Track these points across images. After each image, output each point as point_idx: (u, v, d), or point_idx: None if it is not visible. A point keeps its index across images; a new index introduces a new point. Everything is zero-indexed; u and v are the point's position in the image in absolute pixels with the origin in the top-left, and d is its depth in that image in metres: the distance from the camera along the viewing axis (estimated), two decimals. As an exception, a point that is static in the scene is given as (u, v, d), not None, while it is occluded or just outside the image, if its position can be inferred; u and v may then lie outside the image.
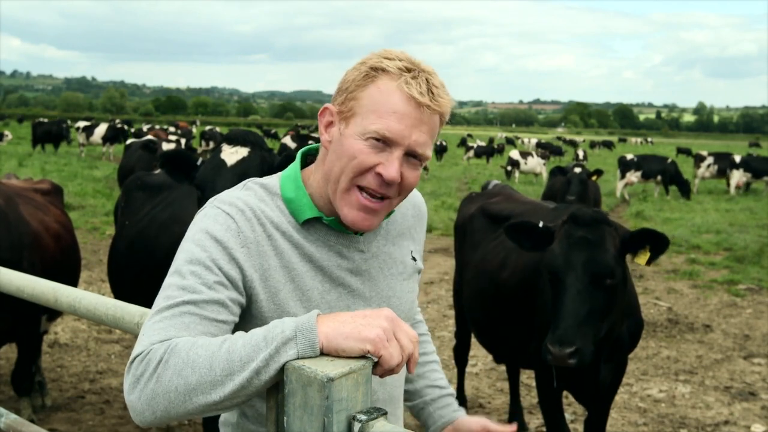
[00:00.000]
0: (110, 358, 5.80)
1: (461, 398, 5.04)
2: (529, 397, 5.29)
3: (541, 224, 3.20)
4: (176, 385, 1.16)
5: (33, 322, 4.23)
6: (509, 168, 25.97)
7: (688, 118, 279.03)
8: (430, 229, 12.11)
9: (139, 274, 3.86)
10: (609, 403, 3.64)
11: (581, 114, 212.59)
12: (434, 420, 1.76)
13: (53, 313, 4.39)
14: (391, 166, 1.38)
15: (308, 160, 1.58)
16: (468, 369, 5.46)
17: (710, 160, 24.01)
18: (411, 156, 1.40)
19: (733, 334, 7.08)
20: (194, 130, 46.09)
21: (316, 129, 1.53)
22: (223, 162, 2.97)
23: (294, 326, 1.17)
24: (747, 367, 6.11)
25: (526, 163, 26.03)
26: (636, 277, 9.01)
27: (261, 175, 1.89)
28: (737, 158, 23.47)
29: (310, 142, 19.01)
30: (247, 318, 1.40)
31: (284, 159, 2.99)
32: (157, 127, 38.30)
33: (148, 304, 1.50)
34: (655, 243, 3.01)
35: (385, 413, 1.17)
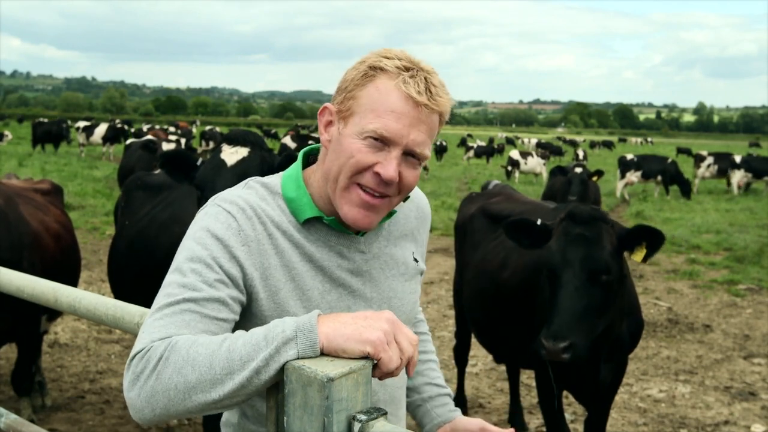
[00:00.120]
0: (110, 358, 5.80)
1: (461, 398, 5.04)
2: (529, 397, 5.29)
3: (539, 222, 3.22)
4: (176, 382, 1.16)
5: (33, 322, 4.23)
6: (509, 168, 25.97)
7: (688, 118, 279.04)
8: (430, 229, 12.09)
9: (138, 274, 3.86)
10: (609, 403, 3.64)
11: (581, 114, 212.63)
12: (431, 418, 1.75)
13: (53, 313, 4.39)
14: (389, 165, 1.37)
15: (310, 160, 1.58)
16: (468, 369, 5.46)
17: (710, 160, 24.02)
18: (409, 155, 1.40)
19: (733, 334, 7.08)
20: (194, 130, 46.09)
21: (316, 129, 1.54)
22: (223, 162, 2.97)
23: (294, 326, 1.17)
24: (747, 367, 6.11)
25: (526, 163, 26.03)
26: (636, 277, 9.01)
27: (261, 175, 1.89)
28: (737, 158, 23.48)
29: (310, 142, 19.03)
30: (247, 317, 1.40)
31: (284, 159, 2.99)
32: (157, 127, 38.30)
33: (148, 303, 1.50)
34: (651, 239, 3.02)
35: (385, 413, 1.17)
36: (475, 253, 4.28)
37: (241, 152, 2.98)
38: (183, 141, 21.12)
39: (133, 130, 34.32)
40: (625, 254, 3.13)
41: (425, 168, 25.21)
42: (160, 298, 1.31)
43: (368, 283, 1.52)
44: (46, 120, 34.89)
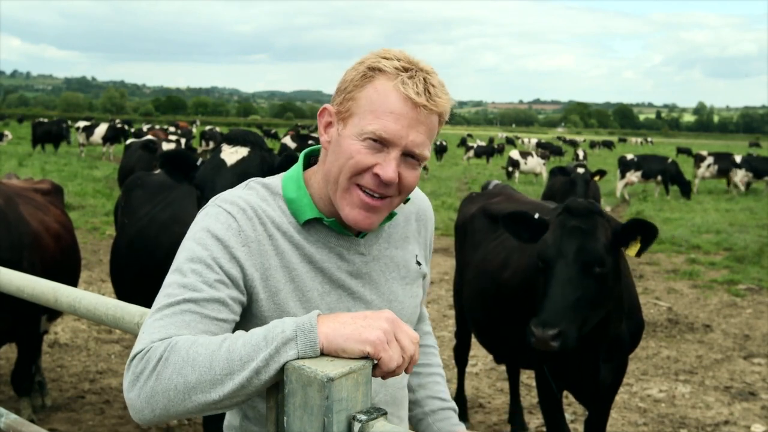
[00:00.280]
0: (110, 358, 5.80)
1: (461, 398, 5.03)
2: (529, 397, 5.29)
3: (536, 216, 3.23)
4: (176, 383, 1.16)
5: (33, 322, 4.23)
6: (510, 169, 25.96)
7: (688, 118, 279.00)
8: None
9: (138, 273, 3.86)
10: (609, 403, 3.64)
11: (581, 114, 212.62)
12: None
13: (53, 313, 4.39)
14: (388, 166, 1.37)
15: (311, 161, 1.58)
16: (468, 369, 5.46)
17: (710, 160, 24.01)
18: (409, 156, 1.40)
19: (733, 334, 7.08)
20: (194, 130, 46.08)
21: (316, 129, 1.53)
22: (222, 162, 2.96)
23: (294, 326, 1.17)
24: (747, 367, 6.11)
25: (526, 163, 26.03)
26: (636, 277, 9.01)
27: (261, 175, 1.88)
28: (738, 158, 23.49)
29: (310, 142, 19.03)
30: (248, 317, 1.40)
31: (285, 159, 2.99)
32: (157, 127, 38.29)
33: (149, 303, 1.50)
34: (645, 233, 3.02)
35: (385, 413, 1.17)
36: (476, 253, 4.28)
37: (241, 152, 2.98)
38: (183, 141, 21.12)
39: (133, 130, 34.33)
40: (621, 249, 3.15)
41: (425, 168, 25.20)
42: (161, 299, 1.30)
43: (368, 285, 1.51)
44: (46, 120, 34.89)
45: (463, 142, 45.91)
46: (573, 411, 5.09)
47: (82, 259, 5.62)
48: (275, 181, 1.52)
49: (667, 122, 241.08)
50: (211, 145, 28.27)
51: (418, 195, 1.67)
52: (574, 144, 58.94)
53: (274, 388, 1.19)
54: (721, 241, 12.50)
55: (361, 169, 1.39)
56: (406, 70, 1.38)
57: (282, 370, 1.15)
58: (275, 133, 49.39)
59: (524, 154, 26.85)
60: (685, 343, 6.76)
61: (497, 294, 3.86)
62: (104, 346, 6.07)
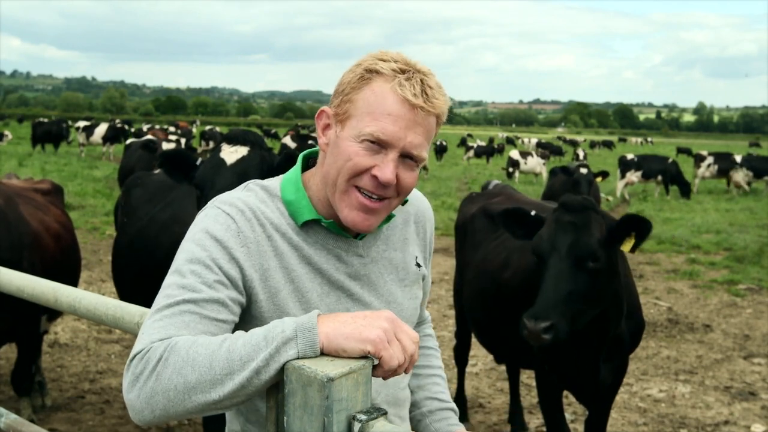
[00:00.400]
0: (110, 358, 5.80)
1: (461, 398, 5.03)
2: (529, 397, 5.29)
3: (533, 213, 3.24)
4: (176, 383, 1.16)
5: (33, 322, 4.23)
6: (510, 169, 25.96)
7: (688, 118, 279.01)
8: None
9: (139, 273, 3.86)
10: (610, 403, 3.64)
11: (581, 114, 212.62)
12: None
13: (53, 313, 4.39)
14: (386, 168, 1.38)
15: (309, 163, 1.58)
16: (468, 369, 5.46)
17: (710, 159, 24.01)
18: (407, 157, 1.40)
19: (733, 334, 7.08)
20: (194, 130, 46.09)
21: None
22: (222, 161, 2.96)
23: (294, 326, 1.17)
24: (747, 367, 6.11)
25: (526, 163, 26.03)
26: (636, 277, 9.01)
27: (261, 175, 1.89)
28: (738, 158, 23.49)
29: (310, 142, 19.01)
30: (247, 318, 1.40)
31: (284, 158, 2.98)
32: (157, 127, 38.28)
33: (149, 303, 1.50)
34: (639, 228, 3.03)
35: (385, 413, 1.17)
36: (476, 253, 4.28)
37: (241, 151, 2.97)
38: (183, 141, 21.12)
39: (133, 130, 34.32)
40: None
41: (425, 168, 25.19)
42: (160, 300, 1.31)
43: (366, 287, 1.51)
44: (46, 120, 34.89)
45: (463, 142, 45.90)
46: (573, 411, 5.09)
47: (82, 259, 5.61)
48: (274, 183, 1.53)
49: (667, 122, 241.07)
50: (211, 144, 28.27)
51: (416, 196, 1.67)
52: (574, 144, 58.93)
53: (274, 388, 1.19)
54: (721, 241, 12.51)
55: (360, 170, 1.39)
56: (403, 71, 1.38)
57: (282, 370, 1.15)
58: (275, 133, 49.40)
59: (524, 154, 26.85)
60: (685, 343, 6.76)
61: (497, 294, 3.86)
62: (104, 346, 6.07)
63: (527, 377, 5.46)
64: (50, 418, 4.64)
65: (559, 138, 74.54)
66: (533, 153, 27.66)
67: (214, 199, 1.47)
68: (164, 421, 1.23)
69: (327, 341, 1.17)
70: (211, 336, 1.24)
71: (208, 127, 41.82)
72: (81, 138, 30.04)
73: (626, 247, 3.06)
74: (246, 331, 1.22)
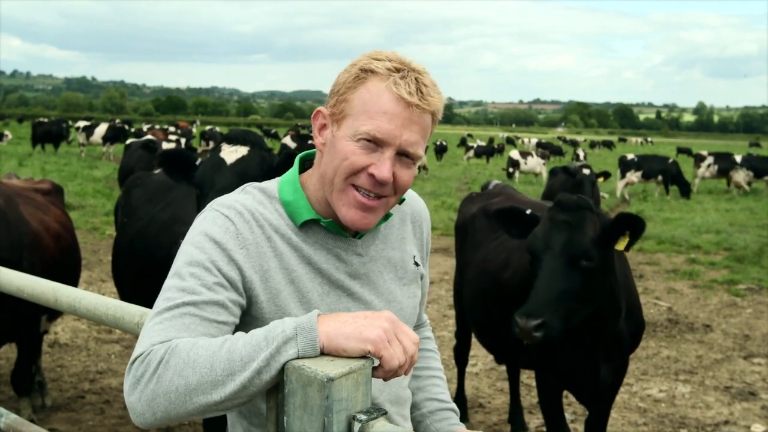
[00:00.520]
0: (110, 358, 5.80)
1: (461, 398, 5.03)
2: (529, 397, 5.29)
3: (528, 211, 3.24)
4: (177, 385, 1.16)
5: (33, 322, 4.23)
6: (510, 169, 25.96)
7: (688, 118, 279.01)
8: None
9: (139, 273, 3.86)
10: (610, 404, 3.64)
11: (581, 114, 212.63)
12: None
13: (53, 313, 4.39)
14: (383, 166, 1.39)
15: (306, 165, 1.59)
16: (468, 369, 5.46)
17: (710, 160, 24.02)
18: (403, 155, 1.41)
19: (733, 334, 7.08)
20: (194, 130, 46.09)
21: (315, 130, 1.54)
22: (222, 160, 2.96)
23: (294, 325, 1.18)
24: (747, 367, 6.11)
25: (526, 163, 26.03)
26: (636, 277, 9.01)
27: (261, 174, 1.89)
28: (738, 158, 23.49)
29: (310, 142, 19.02)
30: (248, 320, 1.40)
31: (284, 158, 2.98)
32: (157, 127, 38.28)
33: (149, 303, 1.50)
34: (633, 227, 3.03)
35: (386, 413, 1.17)
36: (477, 253, 4.28)
37: (241, 151, 2.97)
38: (183, 141, 21.12)
39: (133, 130, 34.33)
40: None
41: (425, 168, 25.20)
42: (160, 302, 1.31)
43: (366, 285, 1.52)
44: (46, 120, 34.88)
45: (463, 142, 45.89)
46: (573, 411, 5.09)
47: (82, 259, 5.62)
48: (271, 185, 1.53)
49: (667, 122, 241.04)
50: (211, 145, 28.26)
51: (412, 197, 1.69)
52: (574, 144, 58.93)
53: (274, 388, 1.19)
54: (721, 241, 12.51)
55: (357, 169, 1.40)
56: (397, 70, 1.39)
57: (282, 370, 1.15)
58: (275, 133, 49.41)
59: (524, 154, 26.85)
60: (685, 343, 6.76)
61: (498, 294, 3.86)
62: (104, 346, 6.07)
63: (527, 377, 5.46)
64: (50, 418, 4.64)
65: (559, 138, 74.55)
66: (533, 153, 27.66)
67: (212, 202, 1.47)
68: (166, 424, 1.23)
69: (327, 341, 1.17)
70: (211, 338, 1.24)
71: (208, 127, 41.83)
72: (81, 138, 30.04)
73: (620, 246, 3.05)
74: (247, 332, 1.22)
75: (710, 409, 5.19)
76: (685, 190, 20.77)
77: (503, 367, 5.45)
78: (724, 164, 23.68)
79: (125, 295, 4.09)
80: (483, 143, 42.89)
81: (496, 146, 41.17)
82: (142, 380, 1.19)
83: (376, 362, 1.19)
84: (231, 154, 2.97)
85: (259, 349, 1.15)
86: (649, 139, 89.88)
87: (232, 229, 1.39)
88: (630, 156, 21.90)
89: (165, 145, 13.93)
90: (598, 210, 3.17)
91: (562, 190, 10.25)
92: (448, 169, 30.43)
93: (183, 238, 1.43)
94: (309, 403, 1.12)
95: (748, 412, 5.15)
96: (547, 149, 36.02)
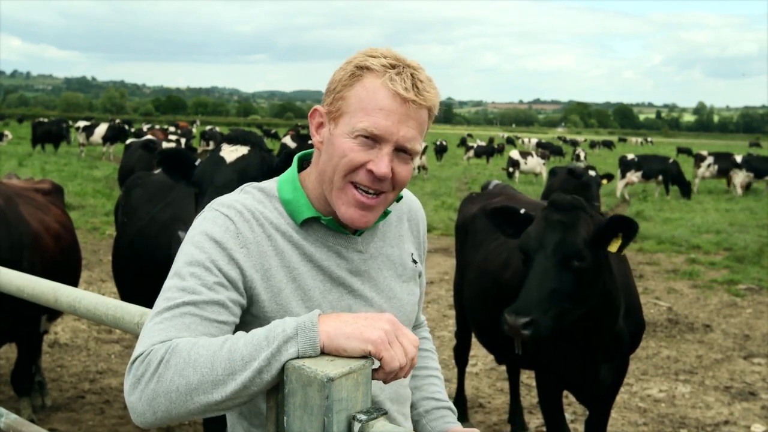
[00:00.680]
0: (110, 358, 5.80)
1: (461, 398, 5.03)
2: (529, 397, 5.29)
3: (522, 211, 3.25)
4: (177, 384, 1.16)
5: (33, 322, 4.23)
6: (510, 169, 25.96)
7: (688, 118, 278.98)
8: (430, 229, 12.10)
9: (139, 273, 3.86)
10: (610, 404, 3.64)
11: (581, 114, 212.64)
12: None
13: (53, 313, 4.39)
14: (381, 162, 1.39)
15: (304, 164, 1.60)
16: (468, 369, 5.46)
17: (710, 160, 24.02)
18: (401, 151, 1.42)
19: (733, 334, 7.08)
20: (194, 130, 46.09)
21: (315, 130, 1.54)
22: (221, 159, 2.95)
23: (295, 325, 1.18)
24: (747, 367, 6.11)
25: (526, 163, 26.03)
26: (636, 277, 9.00)
27: (260, 174, 1.89)
28: (738, 158, 23.48)
29: (309, 142, 19.01)
30: (249, 319, 1.40)
31: (284, 158, 2.98)
32: (157, 127, 38.28)
33: (149, 303, 1.50)
34: (626, 229, 3.03)
35: (386, 413, 1.17)
36: (477, 253, 4.29)
37: (241, 150, 2.97)
38: (183, 141, 21.13)
39: (133, 130, 34.32)
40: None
41: (425, 168, 25.20)
42: (160, 302, 1.31)
43: (367, 282, 1.52)
44: (46, 120, 34.88)
45: (463, 142, 45.87)
46: (573, 411, 5.09)
47: (83, 259, 5.62)
48: (270, 184, 1.54)
49: (667, 122, 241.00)
50: (211, 145, 28.26)
51: (408, 195, 1.70)
52: (574, 144, 58.91)
53: (274, 388, 1.19)
54: (721, 241, 12.51)
55: (355, 166, 1.40)
56: (393, 66, 1.40)
57: (283, 370, 1.15)
58: (275, 133, 49.41)
59: (524, 154, 26.84)
60: (685, 343, 6.76)
61: (498, 294, 3.86)
62: (104, 346, 6.07)
63: (527, 377, 5.46)
64: (50, 418, 4.64)
65: (559, 138, 74.54)
66: (533, 153, 27.65)
67: (212, 202, 1.48)
68: (166, 423, 1.23)
69: (328, 340, 1.17)
70: (211, 337, 1.24)
71: (208, 127, 41.83)
72: (81, 138, 30.03)
73: (613, 247, 3.05)
74: (248, 332, 1.22)
75: (710, 409, 5.19)
76: (686, 190, 20.77)
77: (503, 367, 5.45)
78: (724, 164, 23.68)
79: (125, 295, 4.09)
80: (483, 143, 42.88)
81: (496, 146, 41.15)
82: (143, 380, 1.19)
83: (376, 364, 1.19)
84: (231, 153, 2.97)
85: (260, 349, 1.15)
86: (649, 139, 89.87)
87: (233, 228, 1.39)
88: (630, 156, 21.90)
89: (165, 145, 13.93)
90: (593, 211, 3.17)
91: (563, 191, 10.25)
92: (448, 169, 30.43)
93: (181, 243, 1.43)
94: (309, 403, 1.12)
95: (748, 412, 5.16)
96: (547, 149, 36.00)
